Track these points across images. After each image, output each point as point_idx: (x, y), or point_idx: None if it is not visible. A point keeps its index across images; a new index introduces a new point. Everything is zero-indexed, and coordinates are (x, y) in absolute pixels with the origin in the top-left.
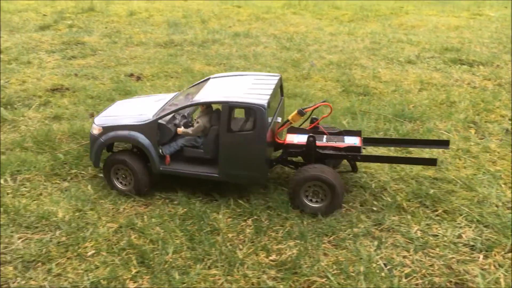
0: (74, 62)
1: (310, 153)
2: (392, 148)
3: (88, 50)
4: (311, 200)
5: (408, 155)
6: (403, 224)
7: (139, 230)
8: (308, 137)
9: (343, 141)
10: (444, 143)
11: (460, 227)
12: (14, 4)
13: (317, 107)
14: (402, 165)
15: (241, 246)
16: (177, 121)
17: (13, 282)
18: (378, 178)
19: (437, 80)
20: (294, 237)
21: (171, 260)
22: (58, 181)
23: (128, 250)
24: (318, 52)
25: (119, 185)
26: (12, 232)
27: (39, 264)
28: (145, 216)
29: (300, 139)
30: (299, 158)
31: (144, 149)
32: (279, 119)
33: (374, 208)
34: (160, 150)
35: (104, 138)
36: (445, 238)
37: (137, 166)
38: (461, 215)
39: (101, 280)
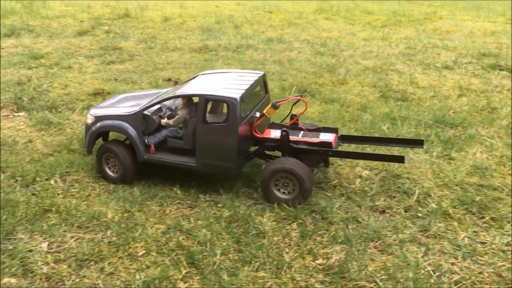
0: (112, 67)
1: (284, 146)
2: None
3: (126, 55)
4: (280, 191)
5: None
6: (449, 231)
7: (186, 231)
8: (282, 131)
9: (318, 137)
10: (418, 143)
11: (509, 235)
12: (52, 10)
13: (291, 101)
14: (446, 172)
15: (287, 250)
16: (162, 113)
17: (68, 280)
18: (422, 184)
19: (476, 86)
20: (340, 242)
21: (219, 261)
22: (105, 183)
23: (177, 251)
24: (353, 58)
25: (109, 172)
26: (64, 231)
27: (92, 262)
28: (191, 218)
29: (277, 133)
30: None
31: (130, 138)
32: (257, 114)
33: (419, 214)
34: (146, 140)
35: (95, 127)
36: (494, 246)
37: (124, 155)
38: (508, 222)
39: (153, 280)
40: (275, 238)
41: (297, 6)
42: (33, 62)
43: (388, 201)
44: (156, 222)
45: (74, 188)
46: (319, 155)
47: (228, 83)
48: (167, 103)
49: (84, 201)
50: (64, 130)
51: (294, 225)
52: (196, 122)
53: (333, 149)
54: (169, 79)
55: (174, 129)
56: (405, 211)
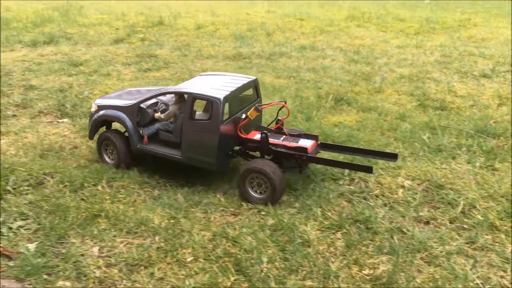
0: (149, 74)
1: (263, 148)
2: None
3: (161, 63)
4: (256, 191)
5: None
6: (497, 243)
7: (232, 239)
8: (261, 134)
9: (297, 142)
10: (392, 156)
11: None
12: (88, 18)
13: (274, 105)
14: (491, 183)
15: (333, 259)
16: (157, 107)
17: (120, 284)
18: (466, 195)
19: None
20: (386, 252)
21: (266, 269)
22: (150, 189)
23: (225, 258)
24: (388, 65)
25: (107, 159)
26: (114, 236)
27: (142, 267)
28: (235, 226)
29: (257, 136)
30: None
31: (125, 128)
32: (243, 116)
33: (465, 226)
34: (141, 131)
35: (97, 115)
36: None
37: (120, 143)
38: None
39: (202, 286)
40: (320, 247)
41: (328, 13)
42: (73, 69)
43: (432, 212)
44: (202, 229)
45: (121, 194)
46: (295, 159)
47: (218, 84)
48: (164, 98)
49: (131, 206)
50: None
51: (339, 234)
52: (183, 117)
53: (308, 155)
54: None
55: (166, 123)
56: (450, 222)
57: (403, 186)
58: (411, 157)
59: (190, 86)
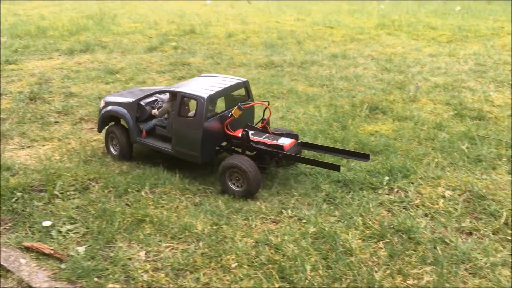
0: None
1: (243, 144)
2: None
3: (195, 71)
4: (234, 184)
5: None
6: None
7: (274, 246)
8: (242, 131)
9: (276, 140)
10: (365, 156)
11: None
12: (122, 26)
13: (257, 104)
14: None
15: (376, 268)
16: (155, 104)
17: None
18: (508, 206)
19: None
20: (429, 263)
21: (310, 277)
22: (191, 196)
23: (268, 265)
24: (421, 74)
25: (112, 150)
26: (159, 241)
27: (187, 272)
28: (277, 233)
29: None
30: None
31: (126, 122)
32: (230, 114)
33: (509, 238)
34: (141, 126)
35: (104, 110)
36: None
37: (122, 137)
38: None
39: None
40: (363, 256)
41: (358, 21)
42: (109, 77)
43: (474, 223)
44: (244, 235)
45: (163, 200)
46: (272, 156)
47: (208, 84)
48: (163, 97)
49: (173, 212)
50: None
51: (381, 244)
52: (173, 114)
53: (284, 152)
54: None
55: (161, 119)
56: (493, 234)
57: (443, 197)
58: (450, 167)
59: (182, 85)
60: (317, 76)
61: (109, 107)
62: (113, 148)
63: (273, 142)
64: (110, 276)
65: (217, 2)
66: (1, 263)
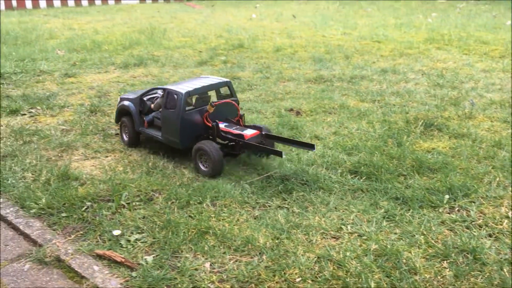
0: None
1: (214, 133)
2: None
3: (245, 85)
4: (203, 165)
5: None
6: None
7: (337, 262)
8: (213, 122)
9: (241, 131)
10: (310, 146)
11: None
12: (172, 41)
13: (225, 102)
14: None
15: None
16: (154, 99)
17: None
18: None
19: None
20: (496, 284)
21: None
22: (250, 209)
23: (332, 281)
24: (475, 90)
25: (124, 137)
26: (223, 253)
27: (252, 285)
28: (338, 249)
29: (222, 125)
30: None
31: (132, 114)
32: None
33: None
34: (144, 118)
35: (118, 105)
36: None
37: (129, 126)
38: None
39: None
40: (427, 275)
41: (406, 36)
42: None
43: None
44: (306, 250)
45: (224, 212)
46: (236, 144)
47: (192, 83)
48: (162, 93)
49: (235, 225)
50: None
51: (445, 264)
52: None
53: (244, 141)
54: (291, 109)
55: (158, 112)
56: None
57: (507, 217)
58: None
59: (174, 84)
60: (368, 91)
61: (122, 102)
62: (125, 135)
63: (238, 132)
64: (179, 285)
65: (262, 16)
66: (76, 269)
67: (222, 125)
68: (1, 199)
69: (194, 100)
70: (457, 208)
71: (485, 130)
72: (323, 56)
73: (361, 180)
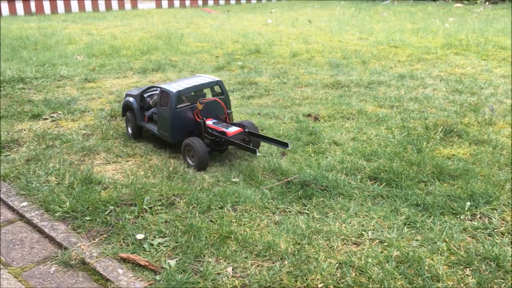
0: (253, 102)
1: (201, 129)
2: None
3: (262, 90)
4: (190, 159)
5: None
6: None
7: (358, 268)
8: (201, 119)
9: (225, 128)
10: (284, 144)
11: None
12: (189, 46)
13: (213, 100)
14: None
15: None
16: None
17: None
18: None
19: None
20: None
21: None
22: (270, 214)
23: (354, 287)
24: (495, 96)
25: (129, 130)
26: (245, 258)
27: None
28: (359, 255)
29: (210, 122)
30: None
31: (134, 109)
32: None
33: None
34: (145, 113)
35: (123, 100)
36: None
37: (132, 120)
38: None
39: None
40: (450, 283)
41: (423, 41)
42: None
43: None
44: (327, 256)
45: (245, 217)
46: (219, 140)
47: (185, 83)
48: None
49: (256, 230)
50: (223, 161)
51: (468, 271)
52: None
53: (226, 137)
54: (309, 115)
55: (156, 108)
56: None
57: None
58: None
59: (169, 83)
60: (386, 96)
61: (126, 98)
62: (129, 128)
63: (222, 129)
64: None
65: (278, 21)
66: (101, 272)
67: (210, 122)
68: (26, 203)
69: (187, 98)
70: (478, 215)
71: (505, 136)
72: (340, 61)
73: (381, 186)
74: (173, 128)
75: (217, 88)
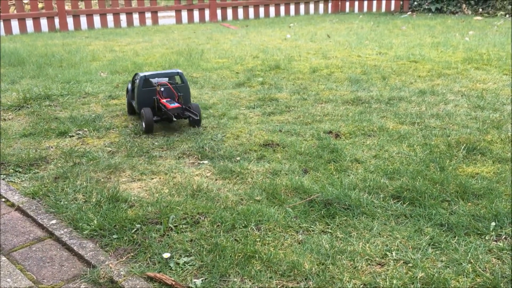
0: (274, 118)
1: (154, 105)
2: None
3: (283, 107)
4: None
5: None
6: None
7: None
8: (154, 97)
9: (170, 104)
10: (194, 114)
11: None
12: (210, 62)
13: (165, 84)
14: None
15: None
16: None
17: None
18: None
19: None
20: None
21: None
22: (294, 233)
23: None
24: None
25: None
26: (270, 278)
27: None
28: (384, 276)
29: (164, 100)
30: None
31: (127, 90)
32: (162, 88)
33: None
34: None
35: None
36: None
37: (128, 98)
38: None
39: None
40: None
41: (443, 55)
42: (203, 112)
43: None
44: (352, 277)
45: (269, 236)
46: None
47: (156, 72)
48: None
49: (279, 249)
50: (245, 179)
51: None
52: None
53: (166, 110)
54: (330, 132)
55: None
56: None
57: None
58: None
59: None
60: (407, 113)
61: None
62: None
63: (166, 104)
64: None
65: (297, 36)
66: None
67: (164, 100)
68: (55, 220)
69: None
70: (504, 236)
71: None
72: (360, 77)
73: (404, 205)
74: (138, 100)
75: (178, 78)
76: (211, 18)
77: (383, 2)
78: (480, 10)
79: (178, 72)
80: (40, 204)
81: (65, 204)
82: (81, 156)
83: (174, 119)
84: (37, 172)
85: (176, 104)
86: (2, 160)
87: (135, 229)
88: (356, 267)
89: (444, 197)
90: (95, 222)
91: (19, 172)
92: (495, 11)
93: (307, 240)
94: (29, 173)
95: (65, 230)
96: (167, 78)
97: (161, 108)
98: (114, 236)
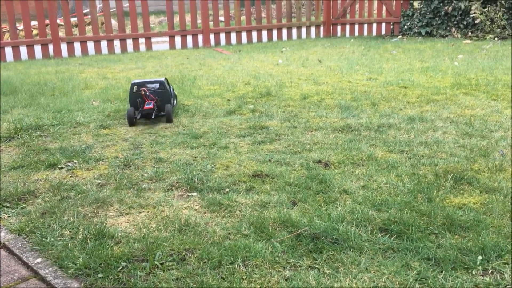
0: (264, 147)
1: (138, 106)
2: None
3: (273, 135)
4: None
5: None
6: None
7: None
8: (137, 99)
9: (146, 105)
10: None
11: None
12: (202, 89)
13: (144, 90)
14: None
15: None
16: None
17: None
18: None
19: None
20: None
21: None
22: (281, 269)
23: None
24: (505, 140)
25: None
26: None
27: None
28: None
29: (147, 103)
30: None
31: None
32: (148, 93)
33: None
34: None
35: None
36: None
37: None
38: None
39: None
40: None
41: (432, 80)
42: (194, 142)
43: None
44: None
45: (255, 273)
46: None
47: (144, 80)
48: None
49: (266, 287)
50: (234, 212)
51: None
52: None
53: (142, 109)
54: (319, 161)
55: None
56: None
57: None
58: None
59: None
60: (396, 141)
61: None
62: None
63: (144, 105)
64: None
65: (289, 61)
66: None
67: (146, 103)
68: (40, 259)
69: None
70: (490, 270)
71: None
72: (350, 103)
73: (392, 238)
74: (129, 101)
75: (161, 86)
76: (204, 43)
77: (374, 26)
78: (469, 33)
79: (160, 81)
80: (26, 241)
81: (51, 241)
82: (69, 189)
83: (152, 117)
84: (25, 207)
85: (150, 106)
86: None
87: (120, 267)
88: None
89: (432, 230)
90: (81, 260)
91: (6, 207)
92: (484, 34)
93: (294, 277)
94: (17, 208)
95: (50, 269)
96: (158, 84)
97: (140, 107)
98: (99, 275)
